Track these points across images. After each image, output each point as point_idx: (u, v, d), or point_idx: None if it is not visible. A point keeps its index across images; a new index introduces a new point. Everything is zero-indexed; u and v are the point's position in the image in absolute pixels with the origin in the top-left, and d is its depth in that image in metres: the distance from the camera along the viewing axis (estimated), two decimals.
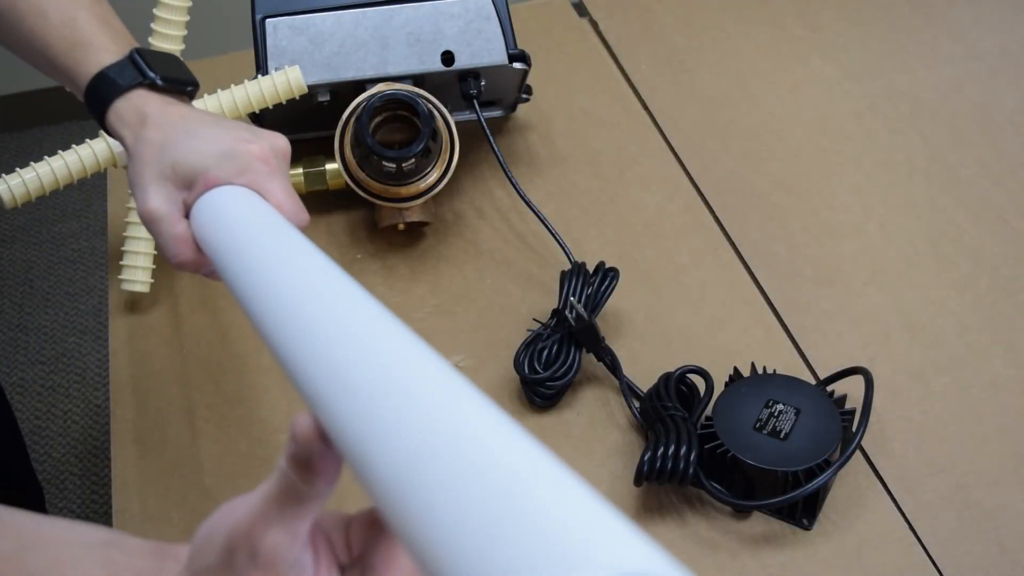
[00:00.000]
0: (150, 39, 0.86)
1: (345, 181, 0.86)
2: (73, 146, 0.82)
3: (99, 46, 0.68)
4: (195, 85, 0.71)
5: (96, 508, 1.73)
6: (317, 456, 0.38)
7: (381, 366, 0.37)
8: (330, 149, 0.86)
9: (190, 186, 0.63)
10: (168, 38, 0.86)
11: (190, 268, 0.65)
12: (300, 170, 0.91)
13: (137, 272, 0.87)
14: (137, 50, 0.68)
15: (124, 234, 0.88)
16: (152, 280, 0.87)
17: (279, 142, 0.66)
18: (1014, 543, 0.69)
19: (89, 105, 0.68)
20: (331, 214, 0.94)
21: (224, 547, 0.40)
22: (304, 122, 0.95)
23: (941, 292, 0.86)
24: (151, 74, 0.67)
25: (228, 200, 0.61)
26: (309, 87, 0.86)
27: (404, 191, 0.85)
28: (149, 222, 0.64)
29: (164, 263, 0.91)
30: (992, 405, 0.78)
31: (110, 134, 0.68)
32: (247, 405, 0.81)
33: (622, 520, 0.28)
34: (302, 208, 0.64)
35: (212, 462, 0.77)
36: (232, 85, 0.84)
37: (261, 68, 0.86)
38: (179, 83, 0.69)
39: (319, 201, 0.93)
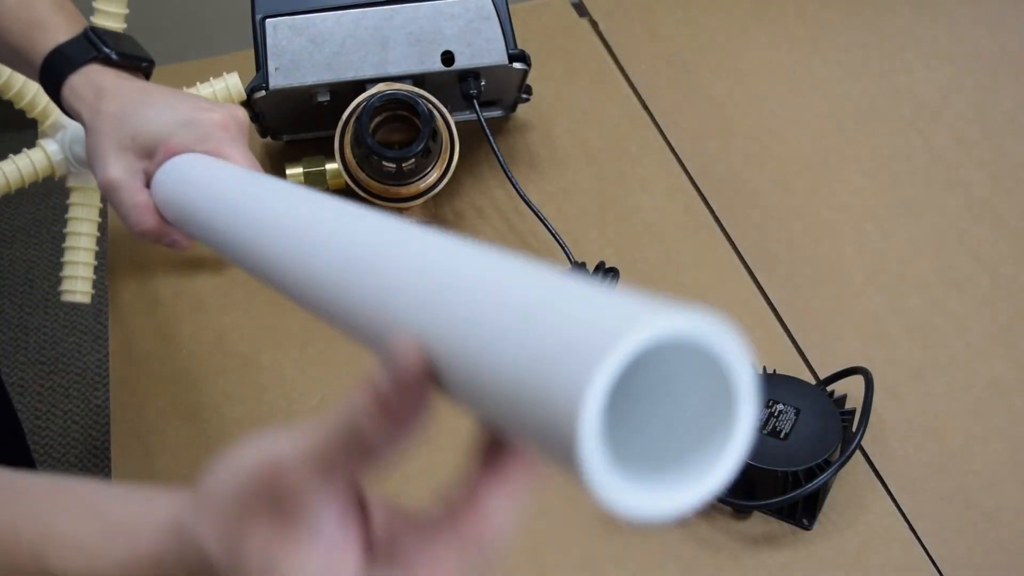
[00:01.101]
0: (92, 18, 0.86)
1: (345, 181, 0.86)
2: (10, 155, 0.82)
3: (54, 26, 0.69)
4: (151, 62, 0.72)
5: None
6: (412, 392, 0.31)
7: (428, 252, 0.36)
8: (330, 149, 0.86)
9: (150, 155, 0.64)
10: (109, 16, 0.86)
11: (151, 237, 0.65)
12: (300, 170, 0.91)
13: (77, 282, 0.86)
14: (92, 28, 0.69)
15: (63, 244, 0.87)
16: (93, 291, 0.86)
17: (238, 112, 0.66)
18: (1014, 543, 0.69)
19: (44, 83, 0.69)
20: None
21: (251, 475, 0.34)
22: (304, 122, 0.95)
23: (941, 292, 0.85)
24: (105, 49, 0.68)
25: (195, 163, 0.61)
26: (309, 87, 0.86)
27: (404, 191, 0.85)
28: (110, 191, 0.64)
29: (159, 269, 0.91)
30: (992, 405, 0.78)
31: (66, 111, 0.69)
32: (247, 405, 0.81)
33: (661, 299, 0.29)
34: None
35: None
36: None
37: (261, 68, 0.86)
38: (134, 59, 0.70)
39: None
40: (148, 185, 0.65)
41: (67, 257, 0.86)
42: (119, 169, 0.64)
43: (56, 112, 0.83)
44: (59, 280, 0.87)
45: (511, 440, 0.32)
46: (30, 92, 0.82)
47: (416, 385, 0.31)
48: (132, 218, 0.64)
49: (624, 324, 0.27)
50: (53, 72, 0.68)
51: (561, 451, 0.28)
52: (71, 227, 0.86)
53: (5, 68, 0.81)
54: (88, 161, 0.67)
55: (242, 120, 0.66)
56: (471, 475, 0.33)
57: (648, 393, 0.32)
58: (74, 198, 0.86)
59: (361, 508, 0.35)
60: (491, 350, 0.30)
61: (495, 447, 0.33)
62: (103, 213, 0.90)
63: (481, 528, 0.32)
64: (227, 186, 0.55)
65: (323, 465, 0.33)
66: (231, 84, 0.84)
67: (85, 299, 0.86)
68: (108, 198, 0.65)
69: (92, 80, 0.67)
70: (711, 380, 0.29)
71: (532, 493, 0.33)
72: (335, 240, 0.40)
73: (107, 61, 0.68)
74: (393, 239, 0.37)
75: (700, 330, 0.28)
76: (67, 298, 0.86)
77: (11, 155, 0.83)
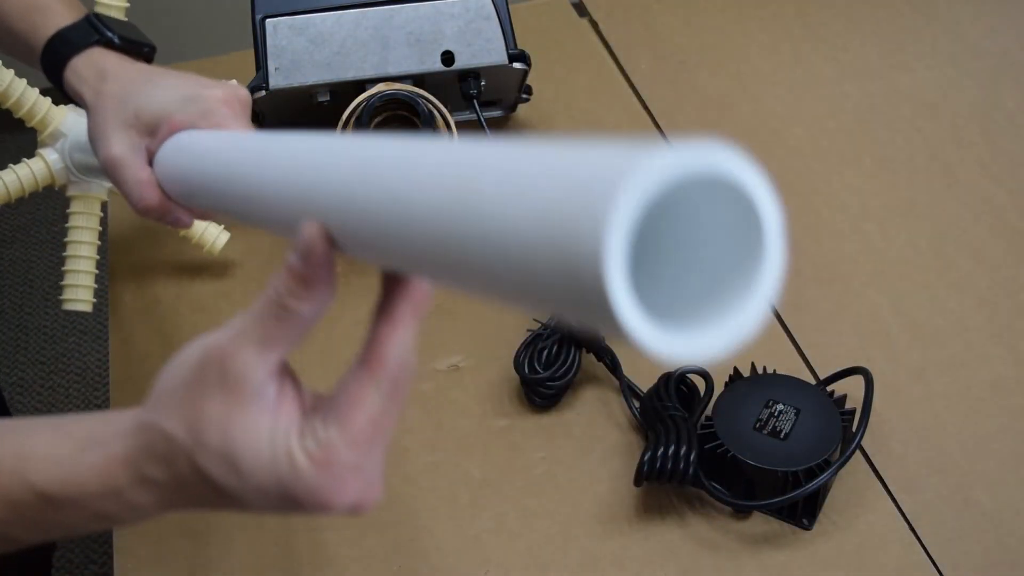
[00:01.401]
0: (95, 8, 0.86)
1: None
2: (10, 165, 0.82)
3: (56, 11, 0.70)
4: (152, 47, 0.72)
5: None
6: (318, 263, 0.39)
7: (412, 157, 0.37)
8: None
9: (153, 132, 0.64)
10: (111, 8, 0.85)
11: (154, 214, 0.65)
12: None
13: (78, 291, 0.85)
14: (94, 13, 0.70)
15: (64, 253, 0.86)
16: (94, 299, 0.86)
17: (240, 90, 0.67)
18: (1014, 543, 0.69)
19: (46, 67, 0.70)
20: None
21: (198, 363, 0.41)
22: (304, 122, 0.95)
23: (941, 292, 0.86)
24: (108, 33, 0.69)
25: (200, 135, 0.61)
26: (309, 87, 0.86)
27: None
28: (112, 169, 0.65)
29: (159, 269, 0.91)
30: (992, 405, 0.78)
31: (68, 95, 0.69)
32: None
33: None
34: None
35: None
36: None
37: (261, 68, 0.86)
38: (136, 44, 0.71)
39: None
40: (151, 163, 0.65)
41: (68, 266, 0.86)
42: (122, 146, 0.64)
43: (55, 121, 0.83)
44: (59, 281, 0.87)
45: (527, 305, 0.32)
46: (29, 100, 0.82)
47: (320, 251, 0.39)
48: (135, 194, 0.64)
49: (641, 154, 0.26)
50: (55, 55, 0.68)
51: (587, 289, 0.27)
52: (72, 235, 0.86)
53: (4, 76, 0.81)
54: (91, 142, 0.67)
55: (244, 98, 0.66)
56: (372, 327, 0.41)
57: (671, 243, 0.32)
58: (74, 207, 0.86)
59: (293, 381, 0.42)
60: (507, 200, 0.30)
61: (386, 297, 0.41)
62: (102, 217, 0.90)
63: (386, 361, 0.40)
64: (229, 145, 0.55)
65: (258, 339, 0.40)
66: None
67: (87, 308, 0.86)
68: (110, 176, 0.65)
69: (95, 62, 0.68)
70: (735, 220, 0.29)
71: (417, 326, 0.41)
72: (354, 160, 0.40)
73: (110, 45, 0.69)
74: (412, 151, 0.38)
75: (719, 158, 0.27)
76: (68, 307, 0.86)
77: (11, 165, 0.82)
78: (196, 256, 0.91)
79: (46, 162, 0.82)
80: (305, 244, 0.39)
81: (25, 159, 0.83)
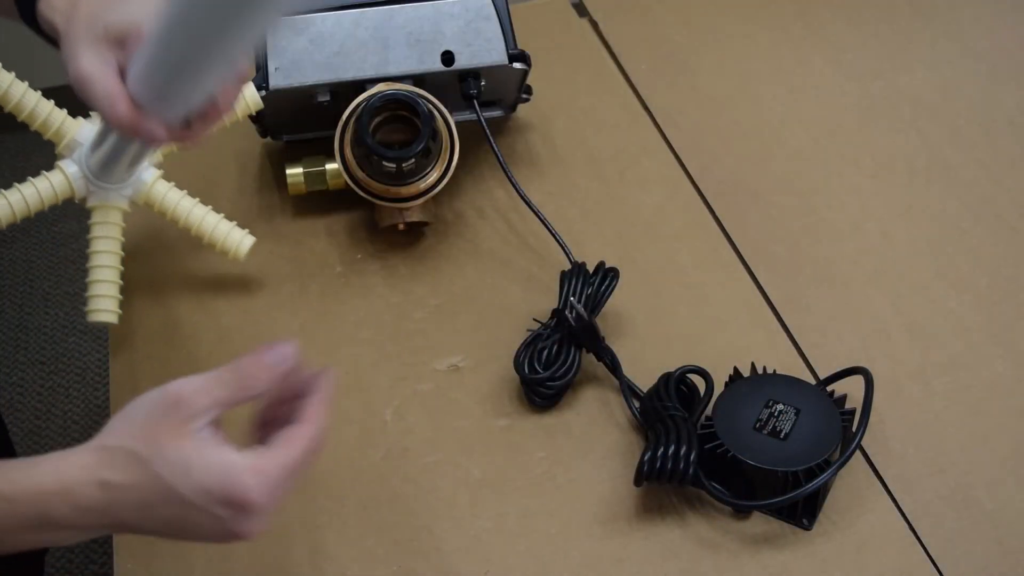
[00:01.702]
0: None
1: (345, 181, 0.86)
2: (29, 178, 0.81)
3: None
4: None
5: None
6: (291, 365, 0.55)
7: None
8: (330, 149, 0.86)
9: (124, 46, 0.63)
10: None
11: (129, 127, 0.63)
12: (300, 170, 0.91)
13: (104, 301, 0.84)
14: None
15: (88, 264, 0.86)
16: (120, 311, 0.85)
17: None
18: (1014, 543, 0.70)
19: (20, 6, 0.70)
20: (331, 214, 0.94)
21: (158, 403, 0.52)
22: (304, 122, 0.95)
23: (941, 292, 0.86)
24: None
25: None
26: (309, 87, 0.86)
27: (404, 191, 0.85)
28: (82, 84, 0.63)
29: (159, 269, 0.91)
30: (992, 405, 0.78)
31: (42, 31, 0.69)
32: (247, 406, 0.80)
33: None
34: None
35: None
36: None
37: (261, 68, 0.86)
38: None
39: (319, 201, 0.93)
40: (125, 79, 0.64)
41: (92, 276, 0.85)
42: (91, 62, 0.62)
43: (71, 132, 0.82)
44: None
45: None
46: (44, 112, 0.81)
47: (296, 361, 0.56)
48: (106, 107, 0.62)
49: None
50: None
51: None
52: (94, 246, 0.85)
53: (17, 89, 0.80)
54: (64, 65, 0.65)
55: None
56: (293, 406, 0.57)
57: None
58: (95, 217, 0.85)
59: (223, 431, 0.55)
60: None
61: (310, 394, 0.57)
62: (124, 227, 0.89)
63: (317, 422, 0.56)
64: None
65: (214, 400, 0.53)
66: (248, 95, 0.83)
67: (112, 319, 0.84)
68: (81, 94, 0.63)
69: None
70: None
71: (332, 403, 0.57)
72: None
73: None
74: None
75: None
76: (93, 318, 0.84)
77: (30, 178, 0.81)
78: (194, 254, 0.91)
79: (65, 174, 0.81)
80: (293, 354, 0.55)
81: (44, 171, 0.82)
